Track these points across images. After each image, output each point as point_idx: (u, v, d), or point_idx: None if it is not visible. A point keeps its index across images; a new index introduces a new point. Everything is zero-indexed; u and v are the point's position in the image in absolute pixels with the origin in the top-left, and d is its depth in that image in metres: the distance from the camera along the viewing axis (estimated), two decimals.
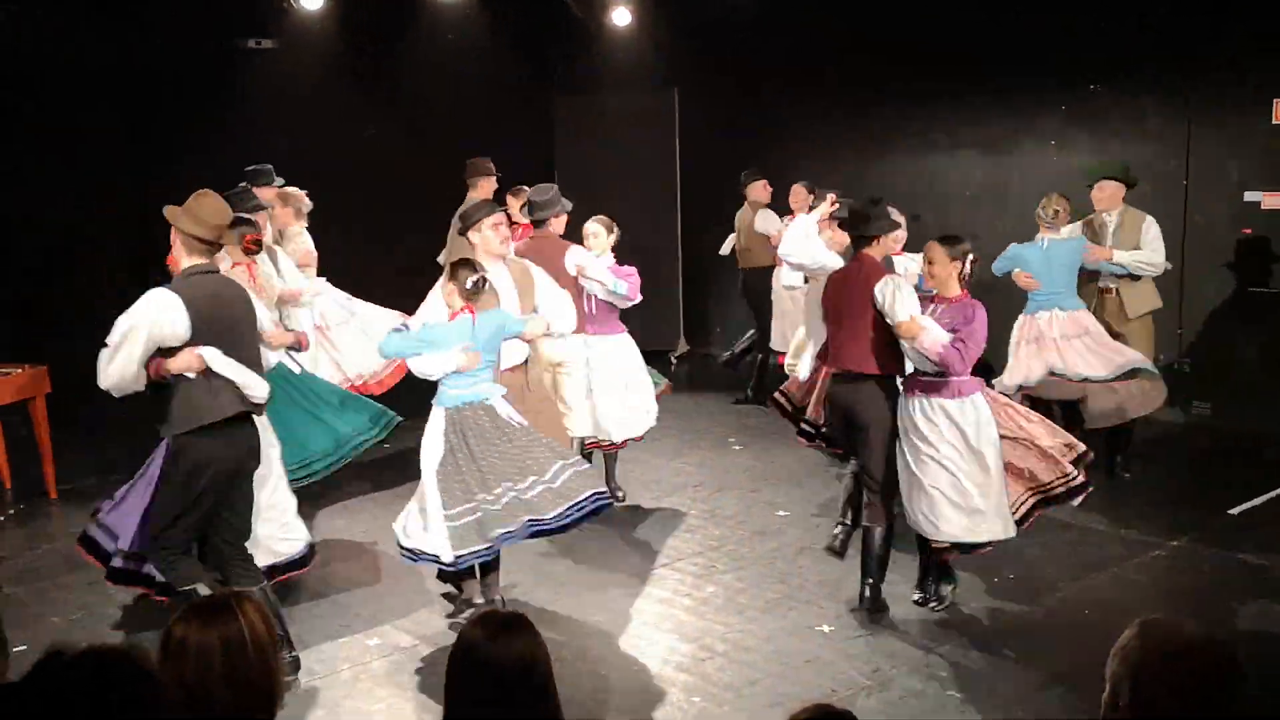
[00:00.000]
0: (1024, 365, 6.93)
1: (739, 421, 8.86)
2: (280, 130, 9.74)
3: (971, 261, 5.15)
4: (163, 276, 6.41)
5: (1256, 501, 6.75)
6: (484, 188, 8.46)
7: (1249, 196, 8.15)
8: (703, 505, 6.99)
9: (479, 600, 5.30)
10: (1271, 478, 7.08)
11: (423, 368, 5.09)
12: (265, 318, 4.98)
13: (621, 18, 10.13)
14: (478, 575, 5.31)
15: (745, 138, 10.60)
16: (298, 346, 5.74)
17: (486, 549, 4.93)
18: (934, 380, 5.10)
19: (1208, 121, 8.30)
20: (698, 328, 11.67)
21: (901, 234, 6.14)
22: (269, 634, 2.41)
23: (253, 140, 9.46)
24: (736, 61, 10.58)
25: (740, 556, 6.17)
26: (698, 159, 10.99)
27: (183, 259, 4.52)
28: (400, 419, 6.60)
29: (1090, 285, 7.08)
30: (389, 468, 7.54)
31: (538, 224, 6.63)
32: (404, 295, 8.79)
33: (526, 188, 8.24)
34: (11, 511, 7.08)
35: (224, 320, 4.52)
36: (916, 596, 5.43)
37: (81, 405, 7.17)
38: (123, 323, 4.36)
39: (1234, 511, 6.62)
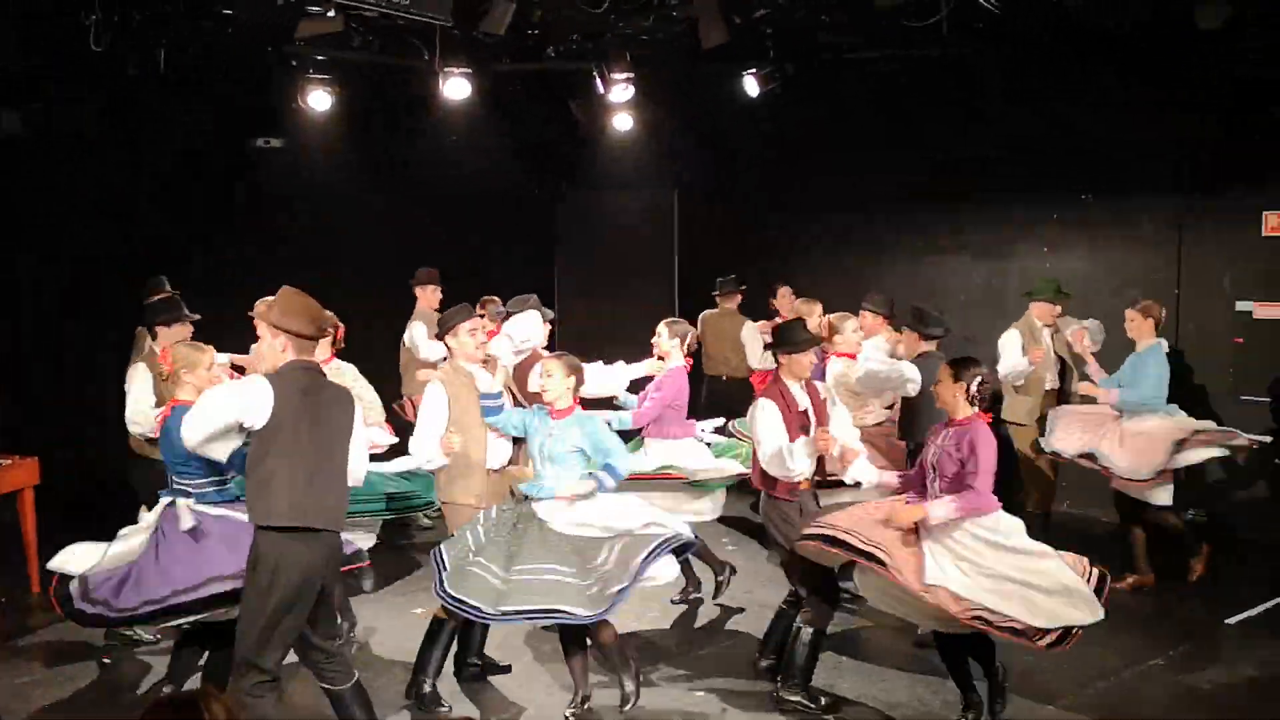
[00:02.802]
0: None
1: (733, 520, 8.78)
2: (287, 228, 9.87)
3: (985, 383, 5.08)
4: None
5: (1253, 612, 6.68)
6: (429, 294, 8.86)
7: (1241, 306, 8.22)
8: (693, 610, 6.90)
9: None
10: (1268, 587, 7.02)
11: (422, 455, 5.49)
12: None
13: (623, 123, 10.33)
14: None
15: (743, 239, 10.73)
16: None
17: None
18: None
19: (1199, 232, 8.42)
20: None
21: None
22: None
23: (260, 238, 9.59)
24: (735, 165, 10.77)
25: (732, 659, 6.08)
26: (695, 259, 11.11)
27: (289, 356, 4.49)
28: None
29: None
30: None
31: None
32: (392, 386, 8.88)
33: (497, 298, 8.38)
34: None
35: (309, 417, 4.44)
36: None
37: (70, 497, 7.14)
38: (212, 395, 4.45)
39: (1231, 621, 6.55)
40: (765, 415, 5.45)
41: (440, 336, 5.72)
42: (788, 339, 5.63)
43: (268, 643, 4.40)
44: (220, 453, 4.55)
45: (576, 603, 4.89)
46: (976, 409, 5.07)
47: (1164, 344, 7.09)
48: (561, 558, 5.03)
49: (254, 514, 4.40)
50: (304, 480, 4.39)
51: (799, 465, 5.39)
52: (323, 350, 6.20)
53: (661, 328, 6.78)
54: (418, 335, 8.72)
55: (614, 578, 4.96)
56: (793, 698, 5.39)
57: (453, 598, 5.04)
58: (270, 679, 4.43)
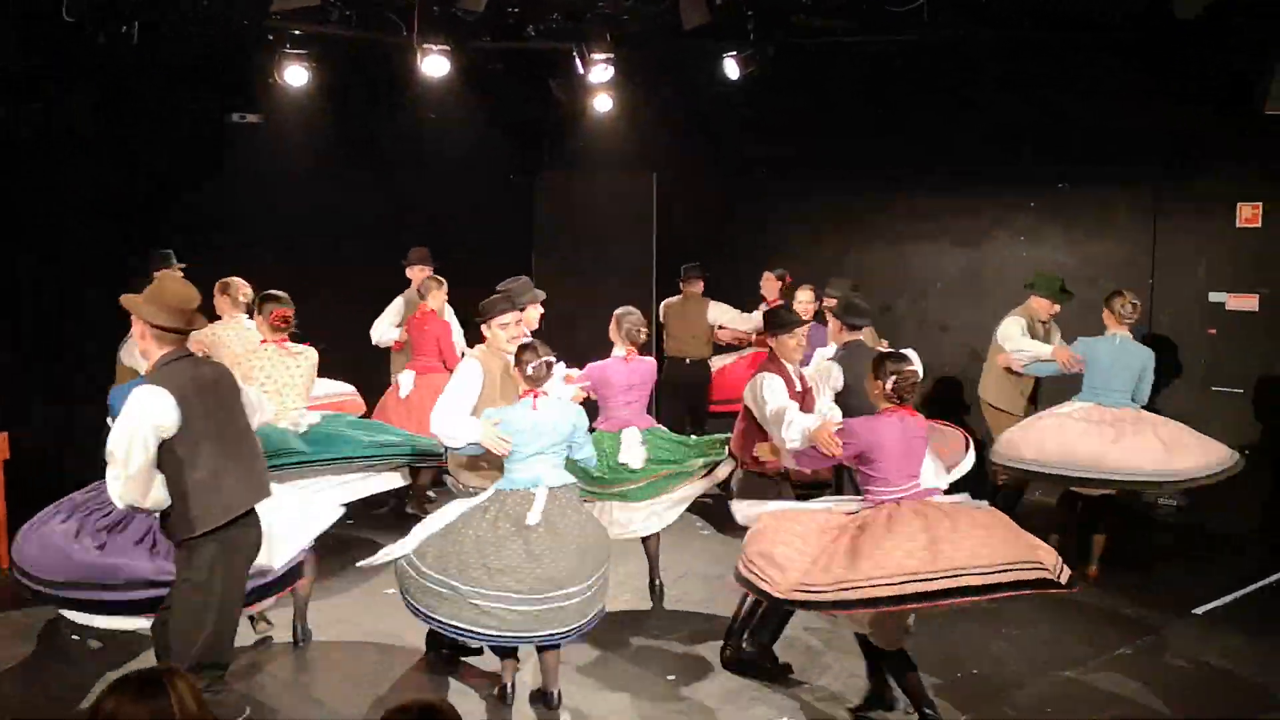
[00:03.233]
0: (1049, 441, 6.76)
1: (705, 506, 8.79)
2: (264, 204, 9.79)
3: (900, 378, 4.96)
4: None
5: (1222, 602, 6.75)
6: (417, 274, 8.85)
7: (1214, 297, 8.28)
8: (667, 591, 6.91)
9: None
10: (1237, 577, 7.10)
11: (443, 430, 5.29)
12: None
13: (603, 104, 10.28)
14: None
15: (721, 224, 10.73)
16: None
17: (440, 623, 4.98)
18: None
19: (1174, 222, 8.46)
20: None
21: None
22: (200, 712, 2.37)
23: (236, 214, 9.50)
24: (715, 149, 10.74)
25: (703, 643, 6.08)
26: (674, 243, 11.09)
27: (152, 350, 4.33)
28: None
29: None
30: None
31: None
32: (382, 371, 8.84)
33: (441, 279, 8.49)
34: None
35: (211, 404, 4.34)
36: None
37: (40, 474, 7.08)
38: (120, 434, 4.17)
39: (1199, 611, 6.61)
40: (772, 381, 5.52)
41: (480, 322, 5.68)
42: (775, 322, 5.69)
43: (223, 636, 4.37)
44: (162, 495, 4.28)
45: None
46: (891, 404, 5.02)
47: (1114, 338, 6.95)
48: None
49: (198, 523, 4.23)
50: (239, 465, 4.35)
51: (792, 435, 5.30)
52: (266, 331, 6.19)
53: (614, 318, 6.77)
54: (386, 310, 8.74)
55: None
56: (746, 656, 5.57)
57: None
58: (226, 671, 4.42)
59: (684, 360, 9.46)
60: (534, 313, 6.79)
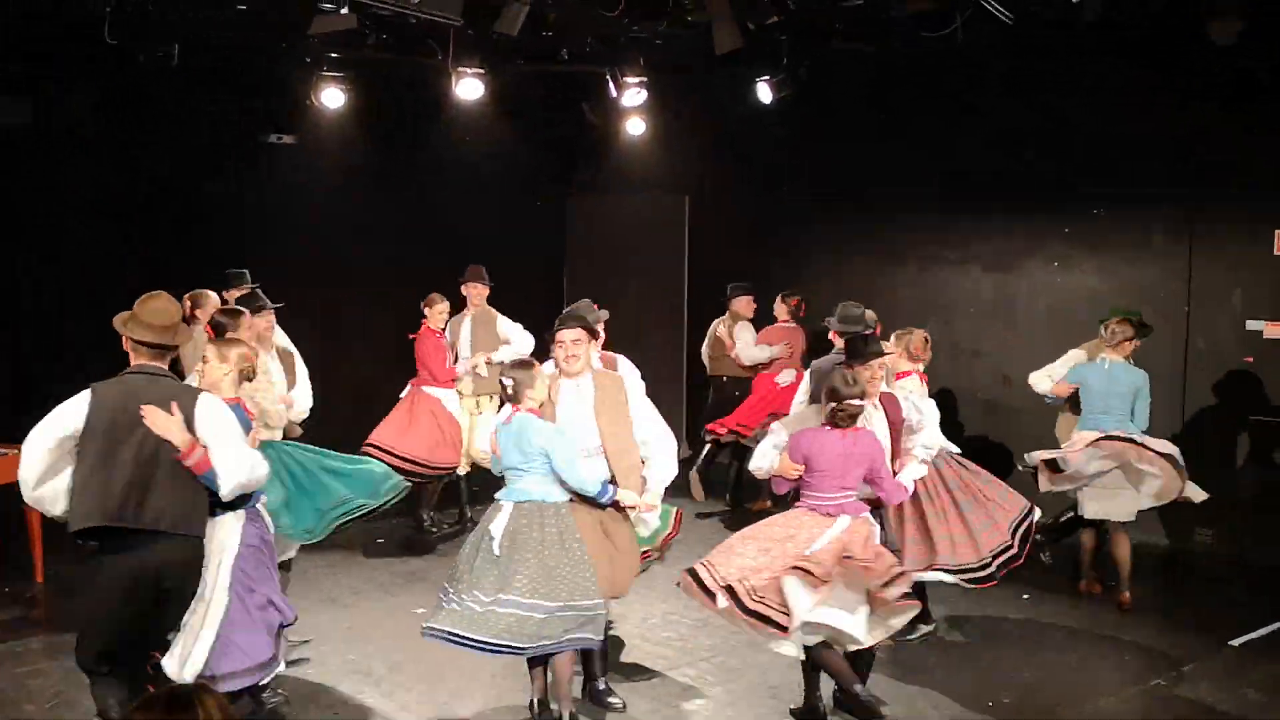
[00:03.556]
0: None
1: (737, 526, 8.75)
2: (298, 225, 9.89)
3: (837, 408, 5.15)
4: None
5: (1258, 634, 6.64)
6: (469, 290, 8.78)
7: (1251, 325, 8.18)
8: (695, 614, 6.86)
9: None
10: (1274, 609, 6.98)
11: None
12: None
13: (636, 127, 10.35)
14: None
15: (753, 247, 10.72)
16: None
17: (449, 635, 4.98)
18: None
19: (1210, 249, 8.37)
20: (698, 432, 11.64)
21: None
22: None
23: (270, 234, 9.61)
24: (746, 172, 10.77)
25: (731, 668, 6.06)
26: (705, 266, 11.13)
27: (132, 360, 4.54)
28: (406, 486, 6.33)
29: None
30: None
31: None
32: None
33: (443, 296, 8.47)
34: None
35: (123, 421, 4.35)
36: None
37: None
38: (43, 419, 4.40)
39: (1235, 643, 6.51)
40: (797, 413, 5.58)
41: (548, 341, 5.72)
42: (852, 351, 5.58)
43: (88, 645, 4.47)
44: (58, 497, 4.41)
45: None
46: (828, 423, 5.23)
47: (1104, 363, 7.01)
48: None
49: (70, 521, 4.37)
50: (121, 480, 4.32)
51: (760, 473, 5.63)
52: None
53: None
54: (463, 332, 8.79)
55: None
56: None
57: None
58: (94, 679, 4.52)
59: (722, 379, 9.49)
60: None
